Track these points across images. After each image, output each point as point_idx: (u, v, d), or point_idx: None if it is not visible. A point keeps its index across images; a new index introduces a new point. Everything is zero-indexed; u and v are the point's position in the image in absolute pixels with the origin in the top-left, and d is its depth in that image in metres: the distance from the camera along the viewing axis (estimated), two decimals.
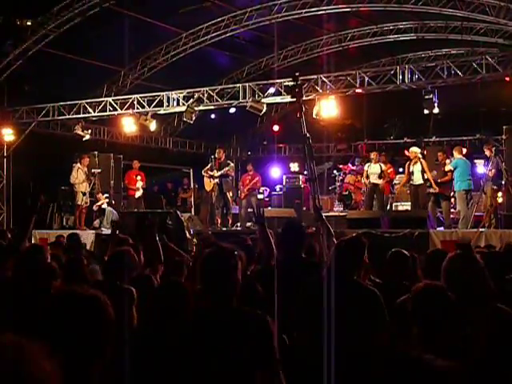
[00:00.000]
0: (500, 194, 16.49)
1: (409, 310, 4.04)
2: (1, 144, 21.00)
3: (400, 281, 6.19)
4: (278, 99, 18.40)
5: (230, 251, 4.07)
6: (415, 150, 17.32)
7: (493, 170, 16.06)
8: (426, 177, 16.61)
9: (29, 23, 19.24)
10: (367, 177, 18.17)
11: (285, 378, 3.80)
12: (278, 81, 17.95)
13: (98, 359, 2.51)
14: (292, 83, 14.14)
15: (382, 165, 18.23)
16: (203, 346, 3.77)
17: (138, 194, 20.93)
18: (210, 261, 4.04)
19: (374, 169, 18.02)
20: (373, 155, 18.54)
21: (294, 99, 14.00)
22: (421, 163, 16.81)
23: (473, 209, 16.45)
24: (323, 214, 5.69)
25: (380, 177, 17.96)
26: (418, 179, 16.79)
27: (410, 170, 16.90)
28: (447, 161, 16.66)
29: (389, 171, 18.66)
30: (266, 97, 17.81)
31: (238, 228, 18.66)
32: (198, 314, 4.05)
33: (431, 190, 16.58)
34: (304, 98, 14.55)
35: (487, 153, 16.58)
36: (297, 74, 13.84)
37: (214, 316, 3.86)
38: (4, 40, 19.15)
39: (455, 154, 16.48)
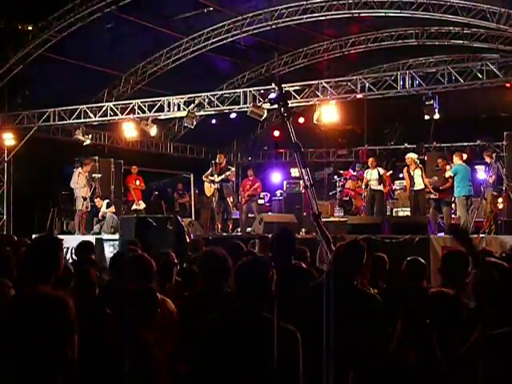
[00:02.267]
0: (500, 199, 16.48)
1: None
2: (1, 149, 21.02)
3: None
4: (276, 104, 18.33)
5: (265, 262, 4.11)
6: (412, 156, 17.35)
7: (493, 176, 16.06)
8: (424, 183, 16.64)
9: (30, 28, 19.26)
10: (367, 184, 18.15)
11: None
12: None
13: (60, 360, 2.50)
14: (277, 92, 14.13)
15: (380, 169, 18.21)
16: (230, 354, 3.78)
17: (140, 207, 21.05)
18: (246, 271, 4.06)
19: (372, 175, 18.02)
20: (370, 161, 18.54)
21: (279, 108, 13.98)
22: (420, 168, 16.83)
23: (473, 215, 16.44)
24: (322, 221, 5.68)
25: (380, 182, 17.94)
26: (418, 184, 16.81)
27: (411, 176, 16.90)
28: (447, 167, 16.66)
29: (387, 175, 18.63)
30: (267, 102, 17.81)
31: (239, 233, 18.65)
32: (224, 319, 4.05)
33: (432, 196, 16.59)
34: (289, 106, 14.55)
35: (487, 159, 16.59)
36: (280, 81, 13.84)
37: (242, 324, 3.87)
38: (5, 45, 19.16)
39: (455, 159, 16.49)
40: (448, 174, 16.29)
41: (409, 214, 18.69)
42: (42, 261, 4.74)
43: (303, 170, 5.75)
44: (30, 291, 2.64)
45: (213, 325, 3.99)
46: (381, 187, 17.99)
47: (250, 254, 7.31)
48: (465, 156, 17.68)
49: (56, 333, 2.50)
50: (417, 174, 16.79)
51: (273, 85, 18.00)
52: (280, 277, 4.32)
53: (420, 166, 16.95)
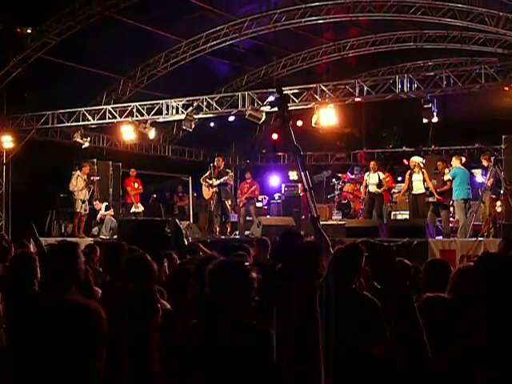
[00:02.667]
0: (499, 203, 16.49)
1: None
2: (0, 151, 21.02)
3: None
4: (276, 108, 18.39)
5: (241, 264, 4.08)
6: (416, 159, 17.31)
7: (491, 180, 16.07)
8: (426, 186, 16.62)
9: (29, 31, 19.27)
10: (366, 186, 18.16)
11: None
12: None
13: (91, 368, 2.49)
14: (276, 95, 14.15)
15: (381, 173, 18.23)
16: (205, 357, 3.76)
17: (138, 210, 21.07)
18: (219, 272, 4.02)
19: (372, 178, 18.03)
20: (372, 164, 18.54)
21: (279, 111, 14.02)
22: (422, 172, 16.80)
23: (471, 218, 16.46)
24: (320, 224, 5.69)
25: (379, 186, 17.96)
26: (417, 188, 16.80)
27: (411, 180, 16.90)
28: (446, 170, 16.67)
29: (386, 180, 18.63)
30: (265, 105, 17.82)
31: (237, 236, 18.66)
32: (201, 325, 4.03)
33: (430, 199, 16.60)
34: (289, 109, 14.59)
35: (484, 163, 16.61)
36: (280, 86, 13.86)
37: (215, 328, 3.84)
38: (4, 48, 19.16)
39: (454, 162, 16.51)
40: (447, 177, 16.31)
41: (407, 217, 18.71)
42: (65, 267, 4.75)
43: (302, 174, 5.75)
44: (63, 299, 2.63)
45: (192, 332, 3.97)
46: (380, 190, 18.01)
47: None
48: (463, 159, 17.68)
49: (90, 344, 2.50)
50: (416, 178, 16.76)
51: (272, 89, 18.05)
52: (284, 279, 4.30)
53: (423, 169, 16.90)
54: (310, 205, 5.67)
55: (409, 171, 17.24)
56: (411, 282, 6.24)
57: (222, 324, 3.83)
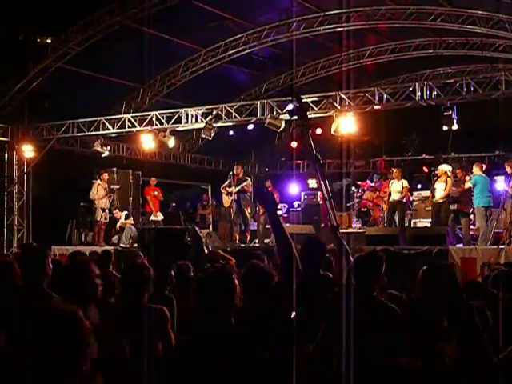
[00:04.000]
0: None
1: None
2: (21, 160, 21.18)
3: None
4: (296, 116, 18.38)
5: (227, 273, 4.03)
6: (444, 168, 17.09)
7: None
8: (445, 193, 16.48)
9: (49, 41, 19.43)
10: (390, 194, 17.98)
11: None
12: None
13: (73, 374, 2.50)
14: (296, 104, 14.14)
15: (405, 181, 18.01)
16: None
17: (158, 218, 21.12)
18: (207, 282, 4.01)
19: (396, 186, 17.82)
20: (395, 172, 18.31)
21: (298, 120, 14.00)
22: (446, 182, 16.56)
23: (492, 225, 16.32)
24: (340, 233, 5.68)
25: (401, 193, 17.81)
26: (439, 196, 16.65)
27: (436, 187, 16.73)
28: (467, 178, 16.56)
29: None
30: (285, 113, 17.83)
31: (257, 244, 18.64)
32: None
33: (451, 207, 16.48)
34: (308, 118, 14.58)
35: (508, 169, 16.45)
36: (299, 94, 13.85)
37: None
38: (25, 58, 19.31)
39: (475, 170, 16.38)
40: (468, 184, 16.19)
41: (427, 224, 18.59)
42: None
43: (322, 182, 5.74)
44: (42, 305, 2.64)
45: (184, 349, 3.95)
46: (402, 198, 17.84)
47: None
48: (484, 166, 17.54)
49: (69, 348, 2.50)
50: (439, 186, 16.57)
51: (290, 97, 18.05)
52: (308, 286, 4.30)
53: (449, 179, 16.64)
54: (329, 213, 5.65)
55: (435, 178, 17.07)
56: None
57: (209, 336, 3.79)
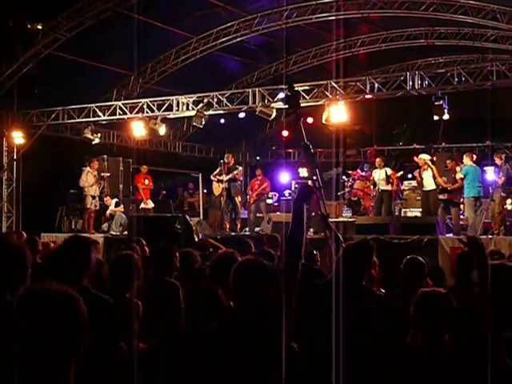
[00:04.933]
0: (509, 201, 16.44)
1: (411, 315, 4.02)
2: (11, 147, 21.10)
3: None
4: (288, 105, 18.41)
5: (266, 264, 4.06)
6: (424, 156, 17.30)
7: (503, 178, 16.01)
8: (437, 182, 16.55)
9: (39, 27, 19.31)
10: (375, 184, 18.13)
11: None
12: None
13: (72, 358, 2.48)
14: (288, 92, 14.16)
15: (388, 170, 18.14)
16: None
17: (148, 206, 21.08)
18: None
19: (380, 175, 17.96)
20: (377, 161, 18.48)
21: (290, 108, 14.09)
22: (431, 169, 16.75)
23: (482, 216, 16.39)
24: (331, 221, 5.69)
25: (387, 182, 17.91)
26: (428, 185, 16.76)
27: (421, 177, 16.87)
28: (457, 168, 16.61)
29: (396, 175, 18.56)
30: (276, 102, 17.82)
31: (247, 233, 18.65)
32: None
33: (441, 197, 16.54)
34: (301, 106, 14.59)
35: (497, 161, 16.51)
36: (291, 83, 13.84)
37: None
38: (15, 44, 19.20)
39: (466, 160, 16.43)
40: (459, 175, 16.24)
41: (418, 214, 18.66)
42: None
43: (313, 171, 5.75)
44: (38, 287, 2.61)
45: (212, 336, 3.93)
46: (389, 187, 17.97)
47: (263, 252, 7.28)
48: (474, 157, 17.60)
49: (66, 332, 2.48)
50: (427, 174, 16.72)
51: (282, 86, 18.02)
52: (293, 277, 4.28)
53: (431, 166, 16.85)
54: (319, 202, 5.66)
55: (418, 169, 17.20)
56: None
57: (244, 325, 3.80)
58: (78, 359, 2.48)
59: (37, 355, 2.38)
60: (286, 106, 16.57)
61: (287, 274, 3.90)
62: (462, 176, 16.05)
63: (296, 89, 17.38)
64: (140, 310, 5.35)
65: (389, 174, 17.98)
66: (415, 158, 17.85)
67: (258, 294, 3.84)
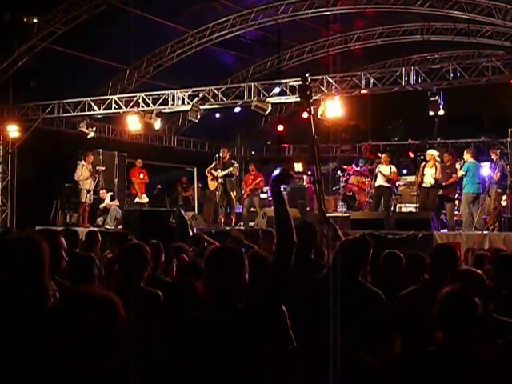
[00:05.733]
0: (504, 197, 16.46)
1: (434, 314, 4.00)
2: (6, 140, 21.06)
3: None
4: (283, 99, 18.44)
5: (236, 250, 4.04)
6: (433, 152, 17.14)
7: (498, 174, 16.02)
8: (434, 177, 16.50)
9: (35, 20, 19.27)
10: (375, 178, 18.05)
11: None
12: (283, 81, 17.98)
13: (109, 360, 2.49)
14: (300, 83, 14.14)
15: (393, 167, 18.06)
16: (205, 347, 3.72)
17: (143, 200, 21.07)
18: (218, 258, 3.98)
19: (384, 170, 17.87)
20: (384, 157, 18.35)
21: (302, 100, 14.04)
22: (436, 167, 16.63)
23: (480, 211, 16.38)
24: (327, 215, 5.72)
25: (389, 179, 17.85)
26: (428, 182, 16.67)
27: (425, 172, 16.72)
28: (457, 165, 16.61)
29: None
30: (271, 96, 17.82)
31: (242, 227, 18.66)
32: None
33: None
34: (312, 99, 14.62)
35: (493, 156, 16.52)
36: (307, 74, 13.82)
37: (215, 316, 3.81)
38: (10, 37, 19.16)
39: (466, 157, 16.41)
40: (460, 172, 16.22)
41: (412, 210, 18.67)
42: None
43: (318, 165, 5.77)
44: (80, 292, 2.61)
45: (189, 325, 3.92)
46: (389, 184, 17.92)
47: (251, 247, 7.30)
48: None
49: (108, 337, 2.49)
50: (430, 171, 16.62)
51: (278, 81, 17.98)
52: (298, 271, 4.28)
53: (437, 164, 16.73)
54: (317, 197, 5.68)
55: (423, 163, 17.06)
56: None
57: (222, 312, 3.79)
58: (114, 359, 2.50)
59: (77, 354, 2.39)
60: (298, 99, 16.44)
61: (279, 261, 3.89)
62: (464, 173, 16.04)
63: (289, 83, 17.45)
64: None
65: (393, 171, 17.89)
66: (411, 154, 17.85)
67: (229, 279, 3.83)
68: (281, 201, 4.07)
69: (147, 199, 21.35)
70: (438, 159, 16.84)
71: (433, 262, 5.73)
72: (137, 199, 21.17)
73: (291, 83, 17.45)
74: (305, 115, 20.25)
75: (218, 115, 23.27)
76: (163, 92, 19.20)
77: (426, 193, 16.79)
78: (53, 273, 4.69)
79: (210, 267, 3.93)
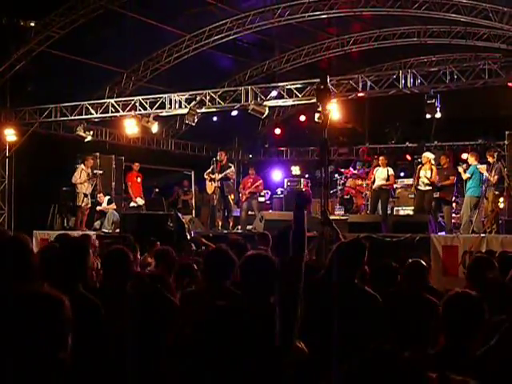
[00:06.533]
0: (502, 199, 16.47)
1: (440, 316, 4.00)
2: (3, 144, 21.02)
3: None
4: (280, 102, 18.44)
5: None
6: (429, 155, 17.17)
7: (496, 176, 16.02)
8: (430, 178, 16.49)
9: (32, 24, 19.27)
10: (373, 182, 18.04)
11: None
12: (280, 84, 17.97)
13: (56, 358, 2.49)
14: (320, 85, 14.21)
15: (390, 169, 18.06)
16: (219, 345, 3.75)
17: (139, 203, 21.07)
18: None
19: (381, 173, 17.86)
20: (381, 160, 18.36)
21: (319, 101, 14.18)
22: (431, 170, 16.63)
23: (477, 214, 16.36)
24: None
25: (386, 181, 17.83)
26: (424, 185, 16.66)
27: (420, 175, 16.73)
28: (460, 168, 16.58)
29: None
30: (269, 100, 17.82)
31: (239, 231, 18.67)
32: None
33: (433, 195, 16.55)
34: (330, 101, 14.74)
35: (490, 159, 16.51)
36: (325, 75, 13.88)
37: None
38: (7, 41, 19.15)
39: (471, 160, 16.40)
40: (465, 175, 16.20)
41: (410, 212, 18.67)
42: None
43: (323, 168, 5.78)
44: (25, 290, 2.62)
45: (214, 312, 3.99)
46: (387, 187, 17.91)
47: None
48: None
49: (51, 334, 2.49)
50: (425, 174, 16.60)
51: (275, 84, 17.97)
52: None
53: (433, 167, 16.74)
54: (323, 200, 5.69)
55: (419, 166, 17.09)
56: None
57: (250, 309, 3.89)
58: (63, 358, 2.49)
59: (23, 354, 2.39)
60: (314, 100, 16.38)
61: (295, 265, 3.97)
62: (469, 175, 16.04)
63: (286, 86, 17.46)
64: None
65: (390, 173, 17.89)
66: (408, 157, 17.85)
67: (263, 284, 4.05)
68: (301, 226, 4.18)
69: (143, 202, 21.30)
70: (433, 162, 16.87)
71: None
72: (132, 203, 21.15)
73: (288, 86, 17.46)
74: (302, 118, 20.31)
75: (215, 119, 23.29)
76: (160, 95, 19.19)
77: (422, 195, 16.79)
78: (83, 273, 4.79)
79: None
